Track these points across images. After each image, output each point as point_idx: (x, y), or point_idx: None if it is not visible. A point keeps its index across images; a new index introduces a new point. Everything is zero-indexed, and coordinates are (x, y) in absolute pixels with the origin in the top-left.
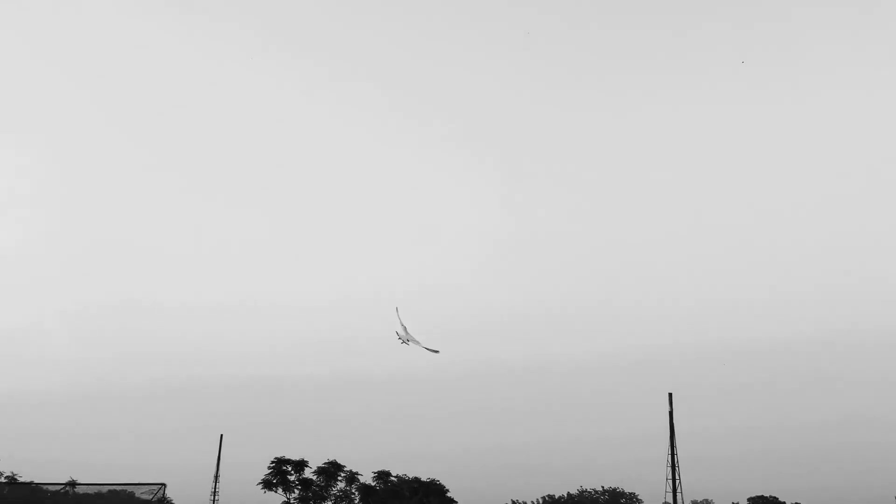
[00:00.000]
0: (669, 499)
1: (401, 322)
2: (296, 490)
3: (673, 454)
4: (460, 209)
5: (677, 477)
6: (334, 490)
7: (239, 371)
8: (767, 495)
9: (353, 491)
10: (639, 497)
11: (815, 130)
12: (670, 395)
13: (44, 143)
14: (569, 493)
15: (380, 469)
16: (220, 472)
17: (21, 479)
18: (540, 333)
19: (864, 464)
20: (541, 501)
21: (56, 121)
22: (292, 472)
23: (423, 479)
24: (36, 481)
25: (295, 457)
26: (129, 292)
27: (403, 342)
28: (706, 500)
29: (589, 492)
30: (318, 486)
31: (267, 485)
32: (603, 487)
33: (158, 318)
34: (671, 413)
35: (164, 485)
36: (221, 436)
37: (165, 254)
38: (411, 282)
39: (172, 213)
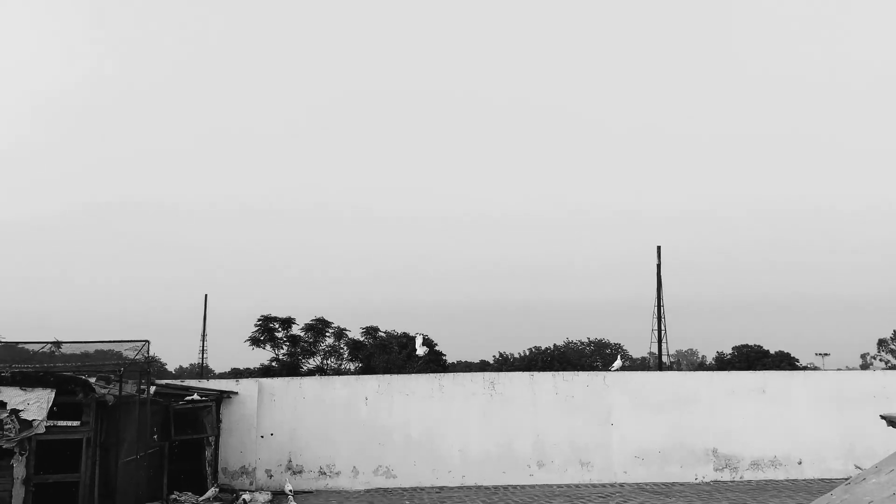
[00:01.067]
0: (655, 349)
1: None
2: (284, 346)
3: (659, 306)
4: None
5: (663, 329)
6: (322, 346)
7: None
8: (752, 344)
9: (342, 346)
10: (624, 348)
11: None
12: (658, 248)
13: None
14: (555, 345)
15: (368, 325)
16: (207, 331)
17: (5, 340)
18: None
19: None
20: (527, 353)
21: None
22: (279, 329)
23: (412, 334)
24: (20, 341)
25: (281, 314)
26: None
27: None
28: (690, 349)
29: (575, 343)
30: (306, 342)
31: (254, 342)
32: (589, 339)
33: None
34: (659, 266)
35: (147, 341)
36: (206, 295)
37: None
38: None
39: None
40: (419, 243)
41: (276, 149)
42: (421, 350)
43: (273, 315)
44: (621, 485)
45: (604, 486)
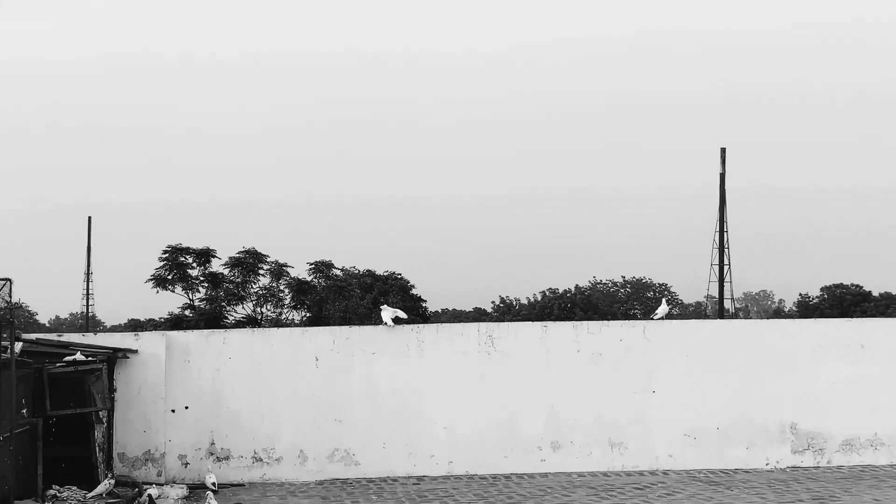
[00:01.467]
0: (714, 291)
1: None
2: (201, 288)
3: (722, 232)
4: None
5: (727, 263)
6: (255, 287)
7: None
8: (848, 284)
9: (282, 288)
10: (671, 290)
11: None
12: (723, 150)
13: None
14: (577, 287)
15: (318, 259)
16: (93, 268)
17: None
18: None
19: None
20: (539, 298)
21: None
22: (194, 264)
23: (379, 272)
24: None
25: (196, 245)
26: None
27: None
28: (763, 291)
29: (604, 284)
30: (231, 282)
31: (160, 282)
32: (623, 278)
33: None
34: (723, 176)
35: (8, 280)
36: (90, 218)
37: None
38: None
39: None
40: (392, 156)
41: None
42: (387, 320)
43: (185, 246)
44: (665, 472)
45: (641, 473)
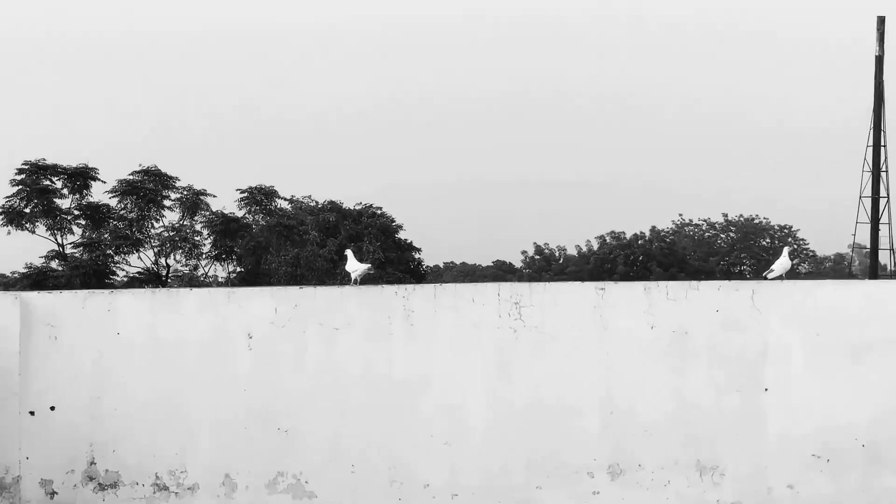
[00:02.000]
0: (863, 237)
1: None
2: (76, 227)
3: (878, 147)
4: None
5: (884, 195)
6: (159, 227)
7: None
8: None
9: (199, 228)
10: (797, 235)
11: None
12: (881, 20)
13: None
14: (654, 229)
15: (254, 185)
16: None
17: None
18: None
19: None
20: (592, 248)
21: None
22: (66, 190)
23: (347, 205)
24: None
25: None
26: None
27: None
28: None
29: (695, 226)
30: (123, 218)
31: (12, 218)
32: (725, 217)
33: None
34: (880, 59)
35: None
36: None
37: None
38: None
39: None
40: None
41: None
42: (357, 272)
43: (51, 163)
44: None
45: None
